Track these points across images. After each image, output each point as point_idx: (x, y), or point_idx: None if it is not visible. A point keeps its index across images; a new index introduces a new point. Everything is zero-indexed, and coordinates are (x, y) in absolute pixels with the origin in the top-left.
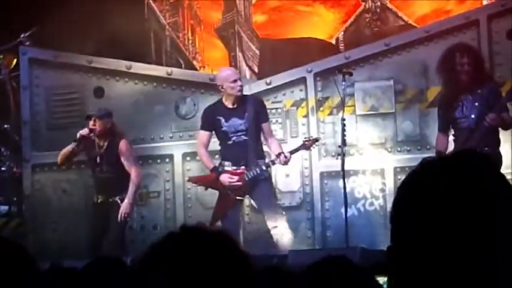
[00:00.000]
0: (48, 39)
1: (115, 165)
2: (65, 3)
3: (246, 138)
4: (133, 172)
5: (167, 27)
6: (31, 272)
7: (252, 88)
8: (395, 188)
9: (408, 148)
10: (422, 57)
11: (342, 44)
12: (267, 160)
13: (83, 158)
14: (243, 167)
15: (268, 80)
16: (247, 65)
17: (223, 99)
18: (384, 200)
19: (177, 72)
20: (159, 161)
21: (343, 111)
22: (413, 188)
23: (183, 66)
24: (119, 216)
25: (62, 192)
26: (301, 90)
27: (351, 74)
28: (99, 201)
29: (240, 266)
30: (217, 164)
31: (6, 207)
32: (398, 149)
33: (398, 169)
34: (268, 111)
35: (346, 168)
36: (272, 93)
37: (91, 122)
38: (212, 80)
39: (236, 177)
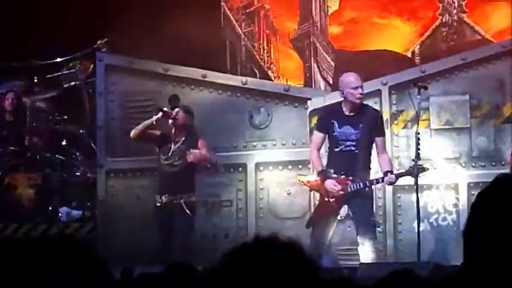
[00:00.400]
0: (125, 45)
1: (186, 162)
2: (142, 10)
3: (353, 149)
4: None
5: (243, 36)
6: (101, 274)
7: (326, 100)
8: (469, 204)
9: (483, 164)
10: (499, 72)
11: (418, 57)
12: (372, 175)
13: (156, 165)
14: (345, 177)
15: None
16: (322, 76)
17: (342, 104)
18: (457, 215)
19: (252, 82)
20: (232, 170)
21: (418, 125)
22: (488, 206)
23: (257, 75)
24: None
25: (135, 198)
26: (375, 102)
27: (426, 88)
28: (163, 202)
29: (310, 277)
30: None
31: (79, 212)
32: (473, 164)
33: (472, 184)
34: None
35: (419, 182)
36: None
37: (175, 110)
38: (287, 90)
39: (340, 186)
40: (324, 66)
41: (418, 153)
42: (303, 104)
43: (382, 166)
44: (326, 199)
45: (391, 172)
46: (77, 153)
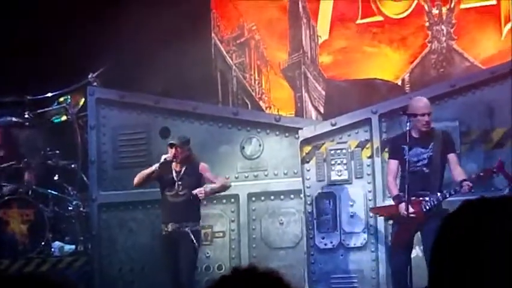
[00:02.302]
0: (115, 79)
1: (192, 189)
2: (133, 42)
3: (425, 168)
4: (220, 178)
5: (234, 67)
6: None
7: (317, 129)
8: None
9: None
10: (488, 98)
11: (408, 85)
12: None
13: (149, 198)
14: (421, 198)
15: (333, 120)
16: (313, 106)
17: (411, 129)
18: None
19: (243, 113)
20: (224, 201)
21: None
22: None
23: (249, 106)
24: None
25: (128, 231)
26: (366, 131)
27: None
28: (169, 230)
29: None
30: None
31: (72, 246)
32: None
33: None
34: (333, 151)
35: (410, 210)
36: (337, 134)
37: (173, 150)
38: (278, 120)
39: (413, 209)
40: (314, 96)
41: (403, 183)
42: (294, 134)
43: (457, 177)
44: (403, 223)
45: (465, 180)
46: (70, 188)
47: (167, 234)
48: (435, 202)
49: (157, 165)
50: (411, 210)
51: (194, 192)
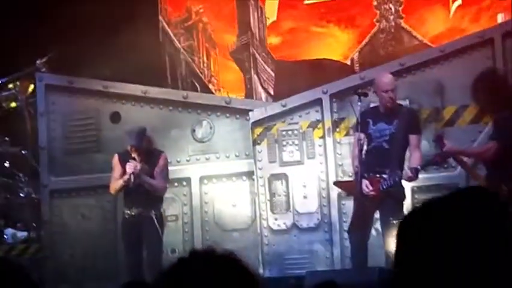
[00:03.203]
0: (64, 64)
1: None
2: (79, 28)
3: (385, 144)
4: (161, 181)
5: (182, 50)
6: None
7: (267, 110)
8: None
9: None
10: (438, 76)
11: (357, 65)
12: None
13: (100, 183)
14: (380, 175)
15: (283, 102)
16: (263, 87)
17: (379, 105)
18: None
19: (193, 96)
20: (176, 184)
21: (359, 131)
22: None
23: (198, 89)
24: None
25: (80, 217)
26: (317, 111)
27: (366, 95)
28: (132, 214)
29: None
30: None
31: (25, 233)
32: None
33: (415, 188)
34: (284, 133)
35: (368, 188)
36: (288, 115)
37: (134, 154)
38: (228, 103)
39: (371, 187)
40: (264, 77)
41: (362, 159)
42: (244, 116)
43: (410, 162)
44: (361, 201)
45: (413, 169)
46: (20, 175)
47: (130, 217)
48: (392, 182)
49: (125, 179)
50: (369, 187)
51: (128, 165)
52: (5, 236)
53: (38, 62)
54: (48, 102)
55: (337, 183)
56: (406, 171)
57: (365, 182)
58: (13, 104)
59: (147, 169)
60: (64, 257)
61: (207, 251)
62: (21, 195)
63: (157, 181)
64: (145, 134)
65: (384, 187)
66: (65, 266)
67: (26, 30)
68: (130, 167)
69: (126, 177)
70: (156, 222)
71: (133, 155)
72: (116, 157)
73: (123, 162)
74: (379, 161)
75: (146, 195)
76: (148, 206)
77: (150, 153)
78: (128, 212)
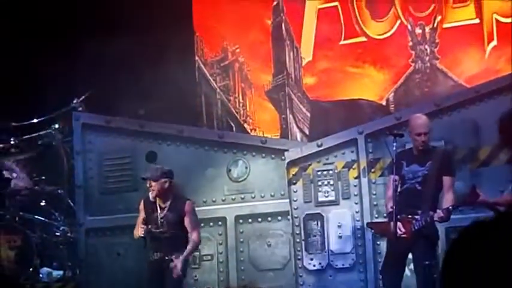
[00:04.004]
0: (100, 103)
1: (176, 226)
2: (116, 67)
3: (418, 186)
4: (195, 233)
5: (218, 90)
6: None
7: (303, 150)
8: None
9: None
10: (473, 116)
11: (393, 105)
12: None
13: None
14: (412, 216)
15: (319, 142)
16: (298, 127)
17: (412, 146)
18: (436, 260)
19: (229, 136)
20: (211, 224)
21: (394, 172)
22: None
23: (234, 129)
24: (173, 273)
25: (116, 255)
26: (352, 151)
27: (402, 136)
28: (155, 258)
29: None
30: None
31: (60, 272)
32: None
33: (450, 229)
34: (319, 173)
35: (400, 229)
36: (323, 155)
37: (148, 184)
38: (264, 142)
39: (404, 229)
40: (299, 117)
41: (396, 200)
42: (280, 156)
43: (442, 204)
44: (394, 242)
45: (444, 210)
46: (56, 213)
47: (153, 261)
48: (424, 223)
49: (142, 213)
50: (401, 229)
51: (174, 275)
52: (40, 275)
53: (74, 101)
54: (84, 141)
55: (370, 225)
56: (438, 212)
57: (397, 224)
58: (50, 143)
59: (171, 217)
60: None
61: None
62: (57, 234)
63: (191, 242)
64: (169, 174)
65: (416, 228)
66: None
67: (63, 69)
68: (142, 230)
69: (141, 234)
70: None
71: (150, 187)
72: (141, 203)
73: (147, 207)
74: (411, 202)
75: (169, 240)
76: (172, 250)
77: (175, 200)
78: (152, 256)
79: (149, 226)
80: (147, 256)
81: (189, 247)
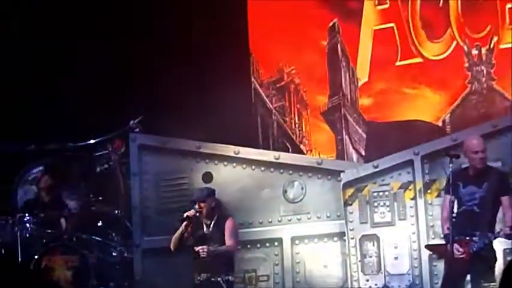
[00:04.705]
0: (157, 125)
1: (222, 243)
2: (172, 88)
3: (476, 208)
4: (232, 241)
5: (274, 111)
6: None
7: (359, 171)
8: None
9: None
10: None
11: (449, 126)
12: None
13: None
14: (470, 238)
15: (375, 163)
16: (354, 148)
17: (468, 166)
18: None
19: (285, 157)
20: (267, 244)
21: (451, 193)
22: None
23: (290, 150)
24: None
25: (172, 276)
26: (408, 172)
27: (458, 157)
28: (200, 280)
29: None
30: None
31: None
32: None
33: (508, 250)
34: (376, 194)
35: (458, 251)
36: (379, 176)
37: (196, 206)
38: (320, 163)
39: (462, 249)
40: (355, 138)
41: (453, 221)
42: (336, 177)
43: (506, 223)
44: (453, 263)
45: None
46: (113, 234)
47: (199, 284)
48: (482, 244)
49: (182, 225)
50: (459, 250)
51: (196, 249)
52: None
53: (131, 122)
54: (141, 162)
55: (428, 247)
56: (505, 229)
57: (455, 245)
58: (106, 164)
59: (216, 234)
60: None
61: None
62: (114, 254)
63: (227, 245)
64: (210, 195)
65: (474, 249)
66: None
67: (119, 91)
68: (186, 213)
69: (184, 223)
70: (224, 287)
71: (198, 208)
72: (184, 222)
73: (193, 226)
74: (469, 224)
75: (214, 261)
76: (217, 271)
77: (218, 218)
78: (197, 277)
79: (196, 243)
80: (191, 277)
81: (221, 247)
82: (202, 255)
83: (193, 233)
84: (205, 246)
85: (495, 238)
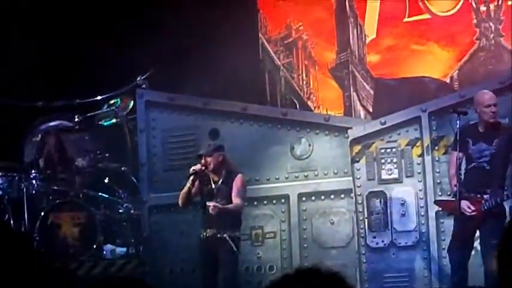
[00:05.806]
0: (164, 81)
1: (229, 200)
2: (180, 46)
3: (486, 165)
4: (238, 199)
5: (281, 68)
6: None
7: (367, 128)
8: None
9: None
10: None
11: (457, 83)
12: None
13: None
14: (481, 196)
15: (383, 119)
16: (362, 105)
17: (478, 123)
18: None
19: (292, 113)
20: (274, 201)
21: (458, 150)
22: None
23: (297, 106)
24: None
25: (179, 233)
26: (416, 129)
27: (466, 113)
28: (206, 235)
29: None
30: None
31: (124, 249)
32: None
33: None
34: (383, 150)
35: (470, 208)
36: (387, 133)
37: (202, 161)
38: (327, 120)
39: (473, 207)
40: (363, 95)
41: (460, 178)
42: (343, 133)
43: None
44: (462, 220)
45: None
46: (120, 191)
47: (205, 239)
48: (494, 202)
49: (188, 181)
50: (471, 207)
51: (208, 203)
52: (104, 252)
53: (138, 78)
54: (148, 118)
55: (438, 202)
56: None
57: (466, 203)
58: (113, 121)
59: (224, 191)
60: (163, 272)
61: (313, 269)
62: (121, 211)
63: (233, 203)
64: (221, 149)
65: (486, 207)
66: (164, 282)
67: (127, 48)
68: (193, 168)
69: (191, 178)
70: (231, 243)
71: (205, 163)
72: (191, 177)
73: (201, 181)
74: (480, 181)
75: (221, 217)
76: (223, 227)
77: (227, 174)
78: (204, 233)
79: (204, 199)
80: (198, 234)
81: (230, 205)
82: (211, 211)
83: (201, 189)
84: (215, 203)
85: (507, 198)
